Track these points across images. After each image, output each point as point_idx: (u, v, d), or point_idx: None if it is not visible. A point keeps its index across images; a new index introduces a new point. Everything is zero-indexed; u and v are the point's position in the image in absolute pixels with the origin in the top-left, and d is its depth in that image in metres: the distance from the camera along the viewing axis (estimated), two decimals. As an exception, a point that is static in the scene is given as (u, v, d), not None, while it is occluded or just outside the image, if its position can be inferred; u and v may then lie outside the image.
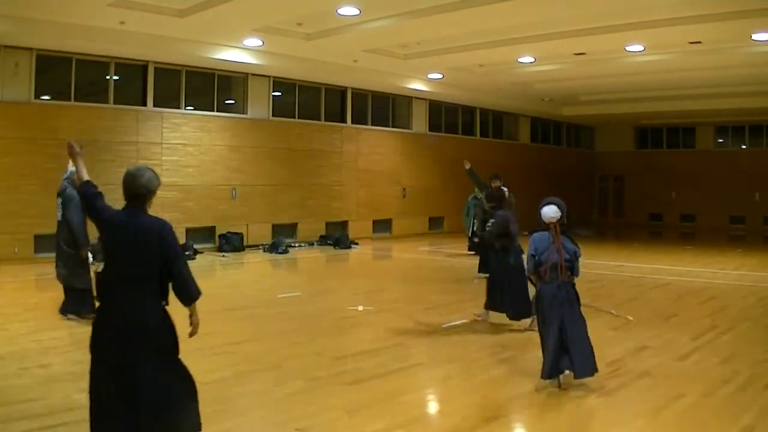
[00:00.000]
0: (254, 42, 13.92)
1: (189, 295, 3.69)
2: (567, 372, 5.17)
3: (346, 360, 6.24)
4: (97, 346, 3.54)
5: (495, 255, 7.88)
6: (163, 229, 3.62)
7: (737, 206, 25.38)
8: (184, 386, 3.68)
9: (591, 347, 5.31)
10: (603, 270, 12.71)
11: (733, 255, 16.03)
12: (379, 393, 5.15)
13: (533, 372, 5.72)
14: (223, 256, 14.59)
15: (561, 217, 5.35)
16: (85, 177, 3.83)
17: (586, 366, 5.20)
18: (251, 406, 4.87)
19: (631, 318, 6.94)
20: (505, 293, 7.52)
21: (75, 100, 13.57)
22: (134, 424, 3.40)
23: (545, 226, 5.36)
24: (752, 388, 5.29)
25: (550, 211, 5.34)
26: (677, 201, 26.76)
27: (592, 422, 4.60)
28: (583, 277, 11.48)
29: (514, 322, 7.49)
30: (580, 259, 5.45)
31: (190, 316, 3.76)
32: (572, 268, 5.36)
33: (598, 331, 7.34)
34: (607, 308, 6.85)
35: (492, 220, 8.00)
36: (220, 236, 15.43)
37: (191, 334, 3.77)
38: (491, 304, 7.74)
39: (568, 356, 5.18)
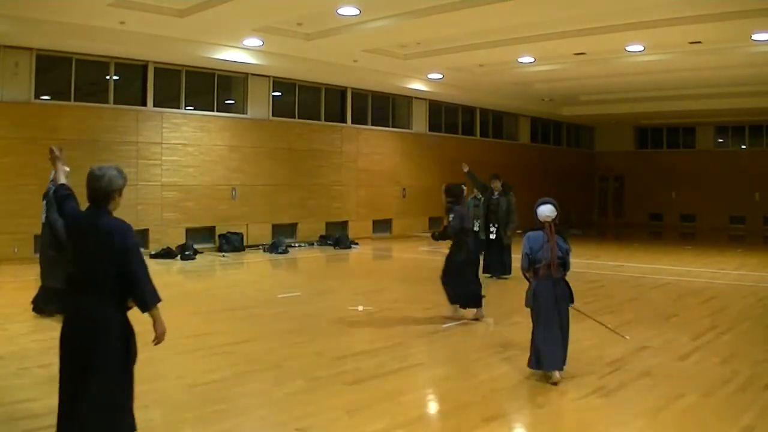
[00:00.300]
0: (254, 42, 13.92)
1: (144, 301, 3.53)
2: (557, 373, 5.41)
3: (346, 360, 6.24)
4: (60, 348, 3.54)
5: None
6: (121, 232, 3.49)
7: (737, 206, 25.38)
8: (123, 397, 3.59)
9: (566, 343, 5.54)
10: (603, 270, 12.72)
11: (733, 255, 16.03)
12: (379, 393, 5.15)
13: (533, 372, 5.72)
14: (223, 256, 14.59)
15: (556, 216, 5.59)
16: (61, 180, 3.88)
17: (562, 360, 5.46)
18: (251, 406, 4.87)
19: (628, 337, 6.89)
20: (458, 285, 7.89)
21: (75, 100, 13.57)
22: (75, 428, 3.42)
23: (540, 225, 5.57)
24: (752, 388, 5.29)
25: (546, 210, 5.59)
26: (677, 201, 26.76)
27: (592, 422, 4.59)
28: (583, 277, 11.58)
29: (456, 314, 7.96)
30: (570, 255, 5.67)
31: (153, 323, 3.59)
32: (564, 265, 5.56)
33: (598, 330, 7.35)
34: (604, 322, 6.85)
35: (452, 215, 8.16)
36: (220, 236, 15.43)
37: (155, 342, 3.63)
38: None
39: (556, 352, 5.42)
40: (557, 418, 4.67)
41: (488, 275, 11.39)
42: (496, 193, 11.58)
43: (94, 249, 3.48)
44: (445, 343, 6.89)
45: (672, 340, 6.96)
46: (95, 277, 3.47)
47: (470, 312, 7.96)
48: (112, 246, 3.44)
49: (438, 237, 8.47)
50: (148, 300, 3.53)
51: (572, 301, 5.63)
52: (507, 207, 11.36)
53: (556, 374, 5.40)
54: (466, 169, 11.73)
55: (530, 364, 5.55)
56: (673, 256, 15.42)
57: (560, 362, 5.45)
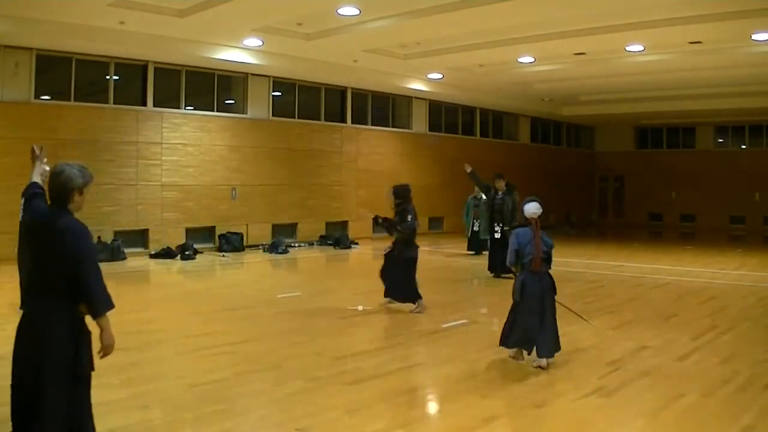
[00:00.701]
0: (254, 42, 13.92)
1: (93, 308, 3.33)
2: (529, 355, 5.93)
3: (346, 360, 6.23)
4: (14, 350, 3.41)
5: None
6: (74, 233, 3.32)
7: (737, 206, 25.39)
8: (81, 404, 3.46)
9: (557, 331, 5.91)
10: (603, 270, 12.72)
11: (733, 255, 16.03)
12: (379, 393, 5.15)
13: (534, 372, 5.73)
14: (223, 256, 14.59)
15: (541, 213, 5.99)
16: (34, 178, 3.85)
17: (551, 348, 5.83)
18: (251, 406, 4.87)
19: (593, 324, 7.10)
20: (401, 281, 8.42)
21: (75, 100, 13.57)
22: None
23: (527, 222, 5.98)
24: (752, 388, 5.29)
25: (533, 207, 5.97)
26: (677, 201, 26.76)
27: (592, 422, 4.59)
28: (583, 277, 11.59)
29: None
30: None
31: (100, 333, 3.37)
32: (548, 260, 5.98)
33: (597, 330, 7.36)
34: (573, 308, 6.94)
35: (410, 216, 8.42)
36: (220, 236, 15.43)
37: (102, 355, 3.43)
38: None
39: (535, 340, 5.83)
40: (557, 418, 4.67)
41: (493, 274, 11.40)
42: (500, 192, 11.59)
43: (46, 249, 3.36)
44: (445, 343, 6.89)
45: (672, 340, 6.96)
46: (46, 278, 3.35)
47: (409, 306, 8.43)
48: (64, 248, 3.28)
49: (384, 226, 8.59)
50: (98, 307, 3.33)
51: (555, 292, 6.00)
52: (512, 206, 11.35)
53: (545, 361, 5.77)
54: (468, 170, 11.77)
55: (503, 343, 6.05)
56: (673, 256, 15.42)
57: (552, 350, 5.82)
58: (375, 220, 8.76)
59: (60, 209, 3.42)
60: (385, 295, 8.69)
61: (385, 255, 8.77)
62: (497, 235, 11.51)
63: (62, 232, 3.32)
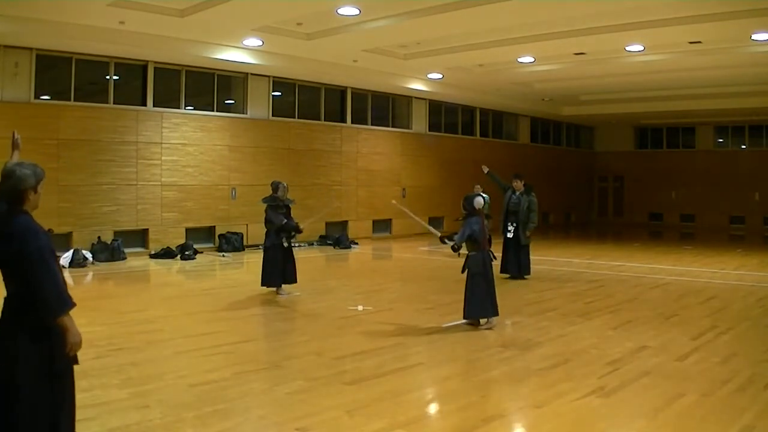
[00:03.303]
0: (254, 42, 13.92)
1: (44, 307, 3.20)
2: (491, 319, 7.44)
3: (346, 360, 6.24)
4: None
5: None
6: (23, 232, 3.22)
7: (737, 206, 25.39)
8: (62, 401, 3.36)
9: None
10: (603, 270, 12.72)
11: (733, 255, 16.02)
12: (379, 393, 5.15)
13: (534, 372, 5.73)
14: (223, 256, 14.59)
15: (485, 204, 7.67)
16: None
17: (496, 309, 7.50)
18: (251, 406, 4.87)
19: (437, 233, 8.01)
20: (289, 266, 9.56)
21: (75, 100, 13.56)
22: None
23: (476, 212, 7.47)
24: (752, 388, 5.29)
25: (482, 200, 7.56)
26: (677, 201, 26.77)
27: (592, 422, 4.59)
28: (583, 276, 11.62)
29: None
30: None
31: (65, 332, 3.26)
32: (490, 240, 7.91)
33: (597, 330, 7.37)
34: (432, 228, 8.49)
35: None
36: (219, 236, 15.43)
37: (71, 354, 3.34)
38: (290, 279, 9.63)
39: (492, 304, 7.40)
40: (557, 418, 4.67)
41: (506, 275, 11.23)
42: (516, 192, 11.46)
43: (4, 253, 3.26)
44: (445, 343, 6.89)
45: (672, 340, 6.96)
46: (13, 285, 3.27)
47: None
48: (19, 248, 3.20)
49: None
50: (53, 306, 3.21)
51: (495, 258, 7.91)
52: (528, 207, 11.24)
53: (494, 320, 7.43)
54: (486, 170, 11.78)
55: (474, 315, 7.40)
56: (673, 256, 15.42)
57: (497, 310, 7.44)
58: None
59: (14, 210, 3.33)
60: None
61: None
62: (510, 235, 11.32)
63: (16, 234, 3.23)
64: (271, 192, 9.72)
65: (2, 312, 3.34)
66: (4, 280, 3.33)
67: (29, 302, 3.23)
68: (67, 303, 3.26)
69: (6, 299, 3.31)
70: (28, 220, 3.32)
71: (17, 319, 3.26)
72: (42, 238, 3.25)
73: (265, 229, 9.63)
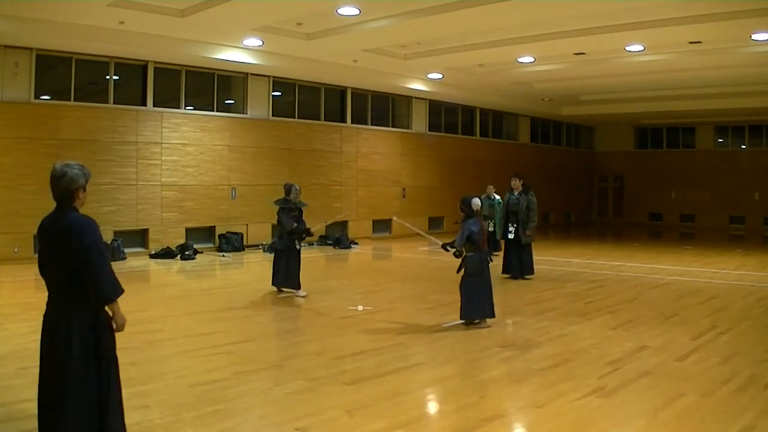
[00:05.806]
0: (254, 42, 13.92)
1: (100, 294, 3.49)
2: (486, 320, 7.52)
3: (346, 360, 6.23)
4: (40, 347, 3.62)
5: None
6: (80, 228, 3.50)
7: (737, 206, 25.40)
8: (110, 393, 3.62)
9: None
10: (603, 270, 12.72)
11: (733, 255, 16.02)
12: (379, 393, 5.15)
13: (534, 372, 5.73)
14: (223, 256, 14.59)
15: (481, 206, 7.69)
16: None
17: (492, 309, 7.56)
18: (251, 406, 4.87)
19: (438, 242, 7.84)
20: (289, 270, 9.42)
21: (75, 100, 13.57)
22: (61, 424, 3.48)
23: (474, 214, 7.46)
24: (752, 388, 5.29)
25: (479, 202, 7.58)
26: (677, 201, 26.77)
27: (592, 422, 4.59)
28: (583, 276, 11.60)
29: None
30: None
31: (113, 316, 3.60)
32: (488, 241, 8.05)
33: (597, 330, 7.37)
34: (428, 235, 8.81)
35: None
36: (219, 236, 15.43)
37: (113, 338, 3.67)
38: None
39: (489, 305, 7.46)
40: (557, 418, 4.67)
41: (508, 275, 11.23)
42: (516, 192, 11.44)
43: (60, 249, 3.51)
44: (445, 343, 6.89)
45: (672, 340, 6.96)
46: (59, 276, 3.53)
47: (300, 292, 9.45)
48: (76, 243, 3.46)
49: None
50: (106, 292, 3.50)
51: (492, 260, 7.84)
52: (527, 206, 11.22)
53: (488, 320, 7.53)
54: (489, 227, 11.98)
55: (471, 316, 7.44)
56: (673, 256, 15.42)
57: (493, 311, 7.53)
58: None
59: (66, 208, 3.59)
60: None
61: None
62: (511, 236, 11.32)
63: (72, 228, 3.50)
64: (283, 194, 9.68)
65: (53, 299, 3.60)
66: (52, 270, 3.58)
67: (81, 290, 3.49)
68: (119, 288, 3.58)
69: (55, 288, 3.58)
70: (81, 216, 3.59)
71: (69, 306, 3.52)
72: (97, 231, 3.56)
73: (278, 232, 9.65)
